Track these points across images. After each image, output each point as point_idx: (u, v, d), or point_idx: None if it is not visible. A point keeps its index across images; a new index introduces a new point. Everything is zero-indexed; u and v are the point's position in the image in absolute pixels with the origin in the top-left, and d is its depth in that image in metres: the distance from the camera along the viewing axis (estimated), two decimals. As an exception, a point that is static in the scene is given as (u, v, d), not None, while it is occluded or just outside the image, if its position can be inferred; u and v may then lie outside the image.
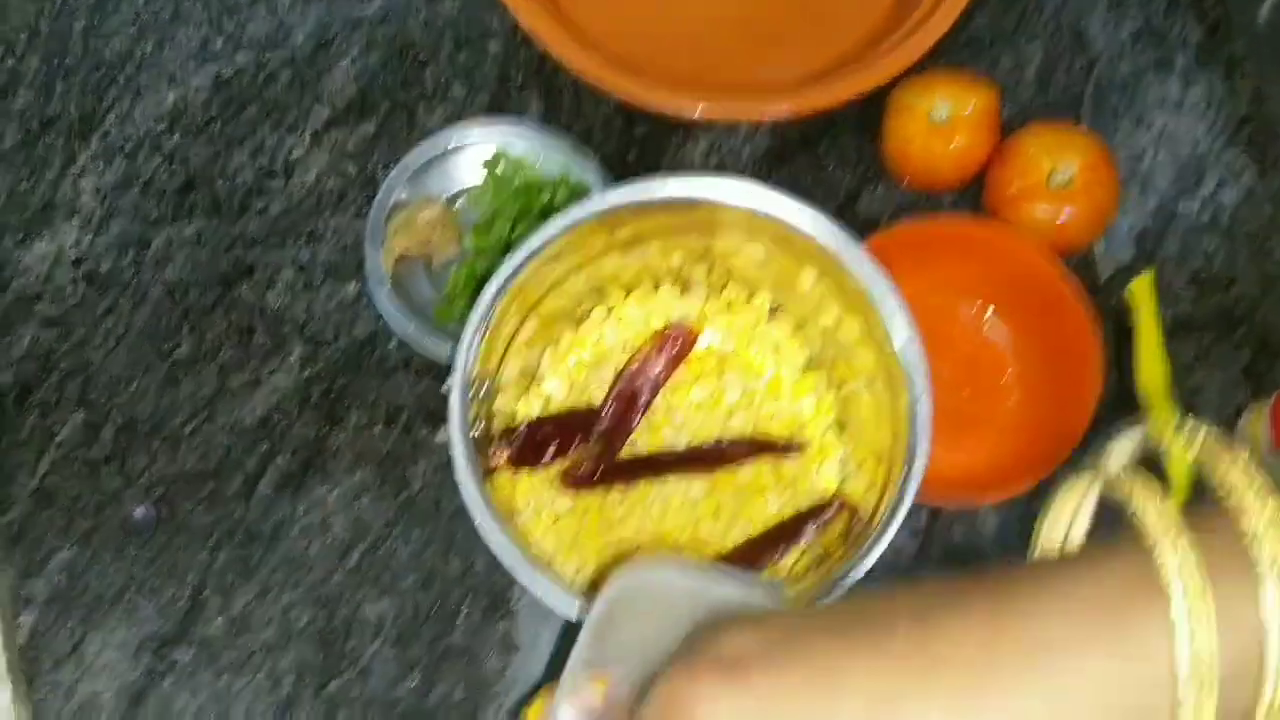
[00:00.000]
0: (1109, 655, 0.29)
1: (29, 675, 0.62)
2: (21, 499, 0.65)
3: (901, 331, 0.51)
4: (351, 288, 0.68)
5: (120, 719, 0.62)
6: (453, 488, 0.65)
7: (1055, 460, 0.63)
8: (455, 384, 0.50)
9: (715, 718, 0.30)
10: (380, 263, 0.66)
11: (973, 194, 0.69)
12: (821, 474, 0.59)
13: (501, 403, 0.57)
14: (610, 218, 0.52)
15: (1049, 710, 0.29)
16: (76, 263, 0.68)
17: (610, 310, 0.60)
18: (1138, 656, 0.29)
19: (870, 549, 0.50)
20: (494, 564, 0.64)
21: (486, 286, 0.51)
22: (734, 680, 0.31)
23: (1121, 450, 0.36)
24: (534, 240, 0.51)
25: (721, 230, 0.55)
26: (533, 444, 0.57)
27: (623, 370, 0.59)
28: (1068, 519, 0.36)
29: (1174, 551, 0.29)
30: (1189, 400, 0.65)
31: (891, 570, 0.64)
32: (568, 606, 0.49)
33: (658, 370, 0.58)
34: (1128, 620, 0.29)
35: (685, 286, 0.60)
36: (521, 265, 0.51)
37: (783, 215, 0.51)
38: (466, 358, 0.50)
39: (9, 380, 0.66)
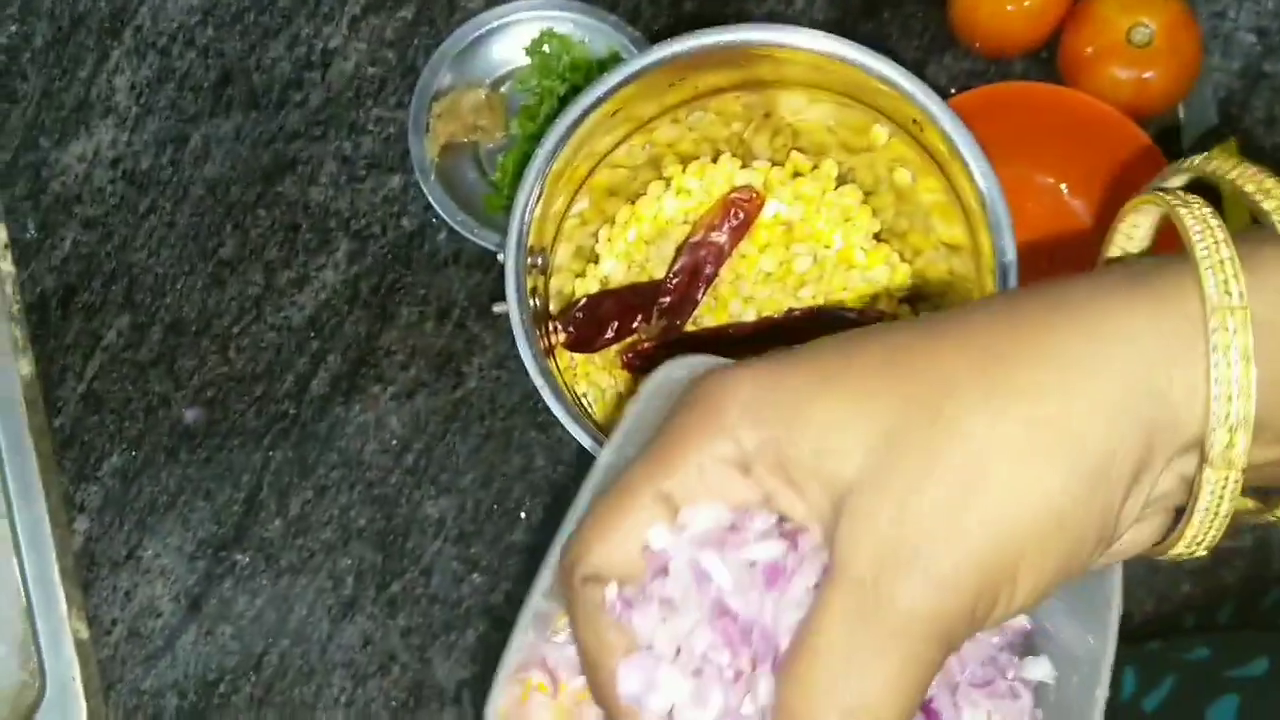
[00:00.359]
0: (1139, 363, 0.26)
1: (85, 581, 0.61)
2: (70, 403, 0.63)
3: (985, 183, 0.48)
4: (397, 180, 0.66)
5: (180, 622, 0.61)
6: (509, 383, 0.63)
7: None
8: (510, 250, 0.47)
9: (738, 393, 0.27)
10: (425, 152, 0.63)
11: (1046, 59, 0.65)
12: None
13: (558, 284, 0.54)
14: (667, 69, 0.49)
15: (1063, 393, 0.26)
16: (114, 162, 0.66)
17: (668, 183, 0.57)
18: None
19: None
20: (555, 458, 0.62)
21: (538, 148, 0.48)
22: (757, 370, 0.28)
23: (1179, 175, 0.33)
24: (587, 97, 0.48)
25: (784, 89, 0.52)
26: (592, 322, 0.54)
27: (684, 243, 0.56)
28: (1124, 239, 0.33)
29: (1215, 263, 0.26)
30: None
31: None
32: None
33: (722, 240, 0.54)
34: (1164, 339, 0.26)
35: (747, 156, 0.57)
36: (576, 123, 0.48)
37: (855, 57, 0.48)
38: (521, 221, 0.47)
39: (53, 284, 0.65)
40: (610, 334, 0.54)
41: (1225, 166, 0.30)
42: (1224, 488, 0.27)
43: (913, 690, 0.26)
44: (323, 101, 0.67)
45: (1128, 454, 0.26)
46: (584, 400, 0.56)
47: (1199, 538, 0.28)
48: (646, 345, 0.55)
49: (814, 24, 0.66)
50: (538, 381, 0.48)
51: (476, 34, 0.64)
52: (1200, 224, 0.28)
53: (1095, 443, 0.26)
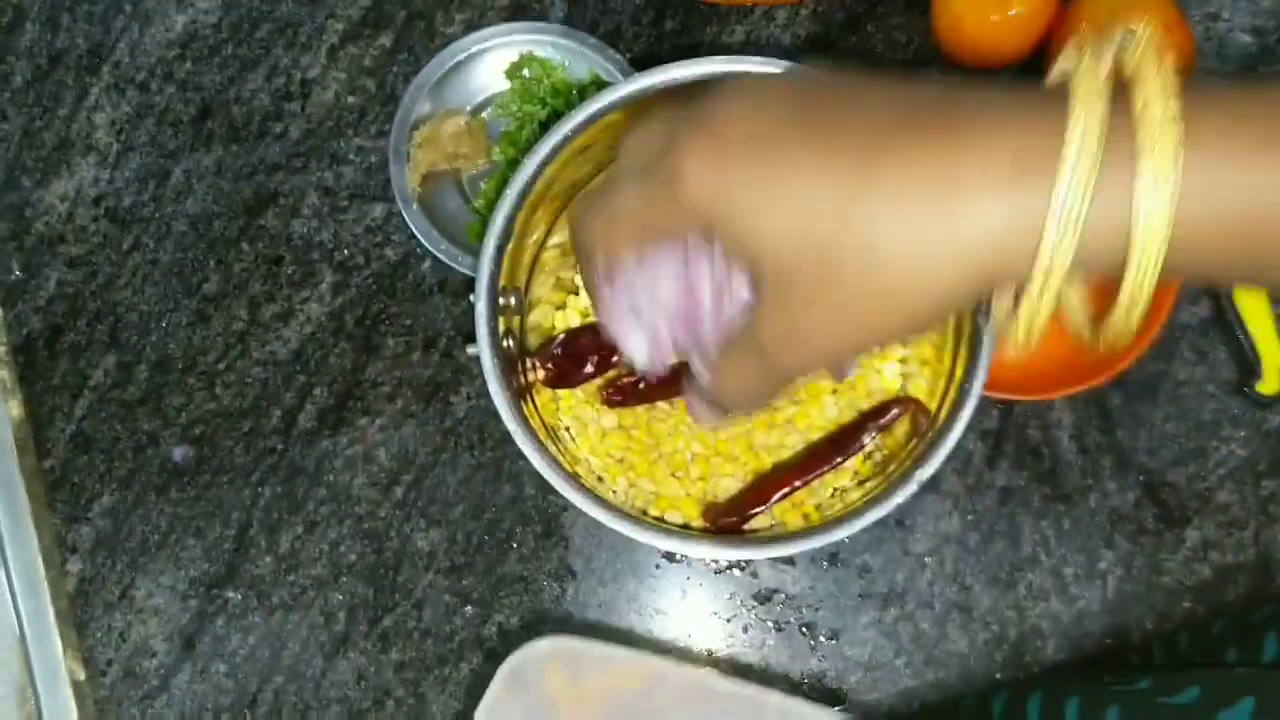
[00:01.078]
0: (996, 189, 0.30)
1: (79, 622, 0.61)
2: (60, 444, 0.63)
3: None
4: (380, 209, 0.65)
5: (174, 661, 0.61)
6: (498, 413, 0.63)
7: (1135, 349, 0.59)
8: (481, 292, 0.46)
9: (700, 184, 0.33)
10: (407, 181, 0.63)
11: (1034, 69, 0.64)
12: (882, 375, 0.55)
13: (537, 318, 0.54)
14: (641, 103, 0.48)
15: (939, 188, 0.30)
16: (97, 200, 0.66)
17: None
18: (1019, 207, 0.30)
19: (938, 444, 0.46)
20: (545, 488, 0.62)
21: (508, 185, 0.47)
22: (716, 154, 0.33)
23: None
24: (560, 130, 0.47)
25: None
26: (571, 358, 0.53)
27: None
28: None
29: (1083, 116, 0.29)
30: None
31: (964, 475, 0.61)
32: (617, 523, 0.46)
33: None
34: (1024, 167, 0.30)
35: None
36: (548, 159, 0.48)
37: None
38: (489, 264, 0.47)
39: (39, 324, 0.65)
40: (590, 369, 0.54)
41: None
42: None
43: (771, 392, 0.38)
44: (303, 132, 0.66)
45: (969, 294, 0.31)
46: (567, 433, 0.56)
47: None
48: (627, 380, 0.54)
49: (796, 40, 0.66)
50: (511, 427, 0.47)
51: (455, 60, 0.64)
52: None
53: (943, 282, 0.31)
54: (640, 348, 0.39)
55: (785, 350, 0.35)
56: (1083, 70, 0.30)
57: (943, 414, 0.47)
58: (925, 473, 0.46)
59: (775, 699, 0.55)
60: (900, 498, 0.46)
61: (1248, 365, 0.61)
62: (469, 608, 0.61)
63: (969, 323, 0.47)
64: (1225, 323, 0.62)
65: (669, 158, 0.33)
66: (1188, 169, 0.28)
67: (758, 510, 0.52)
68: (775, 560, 0.61)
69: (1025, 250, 0.30)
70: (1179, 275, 0.31)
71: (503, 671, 0.55)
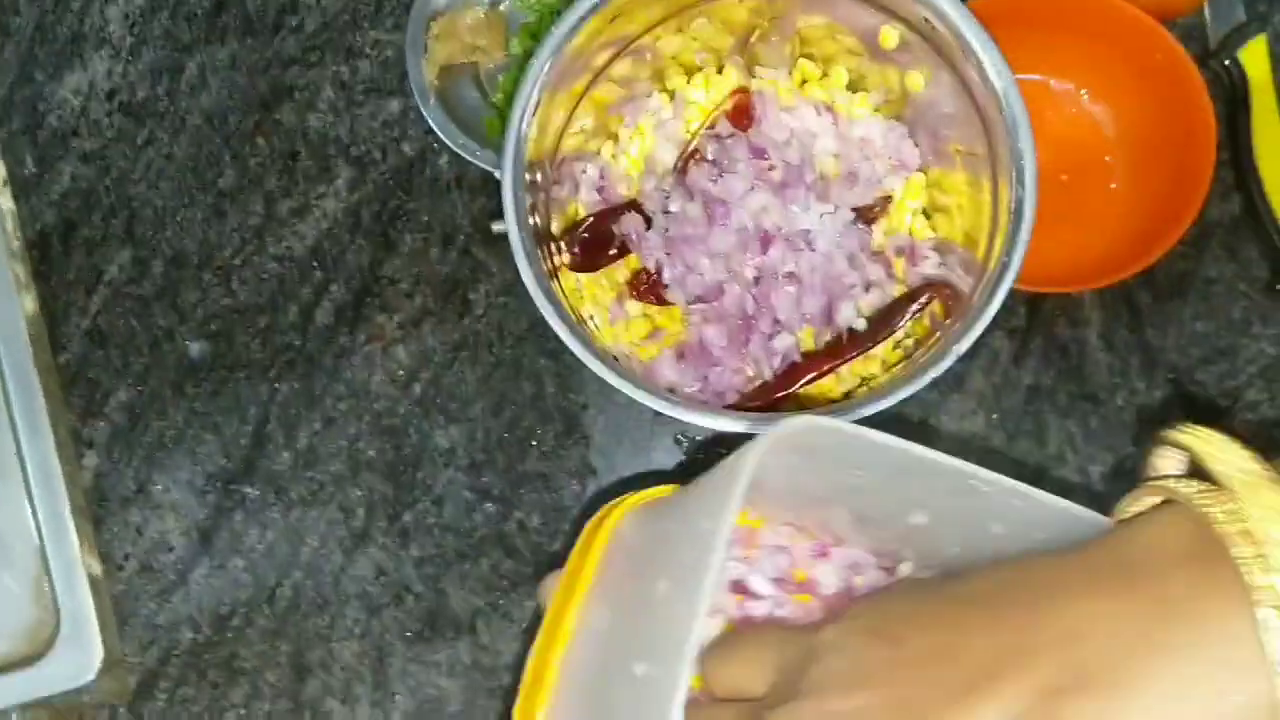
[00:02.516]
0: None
1: (96, 518, 0.61)
2: (75, 339, 0.63)
3: (999, 80, 0.46)
4: (396, 104, 0.64)
5: (191, 556, 0.61)
6: (517, 310, 0.62)
7: (1164, 243, 0.58)
8: (507, 164, 0.46)
9: None
10: (424, 75, 0.61)
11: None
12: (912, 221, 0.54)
13: (558, 195, 0.53)
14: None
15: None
16: (110, 94, 0.65)
17: (671, 95, 0.55)
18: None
19: (970, 327, 0.45)
20: (565, 385, 0.61)
21: (533, 58, 0.46)
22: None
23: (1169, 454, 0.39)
24: (582, 4, 0.46)
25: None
26: (596, 241, 0.53)
27: (686, 153, 0.54)
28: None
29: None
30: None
31: (990, 374, 0.60)
32: (645, 398, 0.46)
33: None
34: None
35: (753, 65, 0.55)
36: (573, 29, 0.46)
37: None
38: (518, 134, 0.46)
39: (53, 219, 0.64)
40: (614, 250, 0.53)
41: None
42: None
43: None
44: (318, 26, 0.65)
45: None
46: (591, 323, 0.55)
47: None
48: (654, 275, 0.53)
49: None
50: (540, 302, 0.46)
51: (474, -50, 0.62)
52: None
53: None
54: None
55: None
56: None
57: (978, 293, 0.47)
58: (962, 346, 0.45)
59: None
60: (936, 372, 0.45)
61: (1279, 262, 0.60)
62: (489, 504, 0.61)
63: (1006, 195, 0.46)
64: (1257, 220, 0.60)
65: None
66: None
67: (784, 393, 0.51)
68: (798, 456, 0.60)
69: None
70: None
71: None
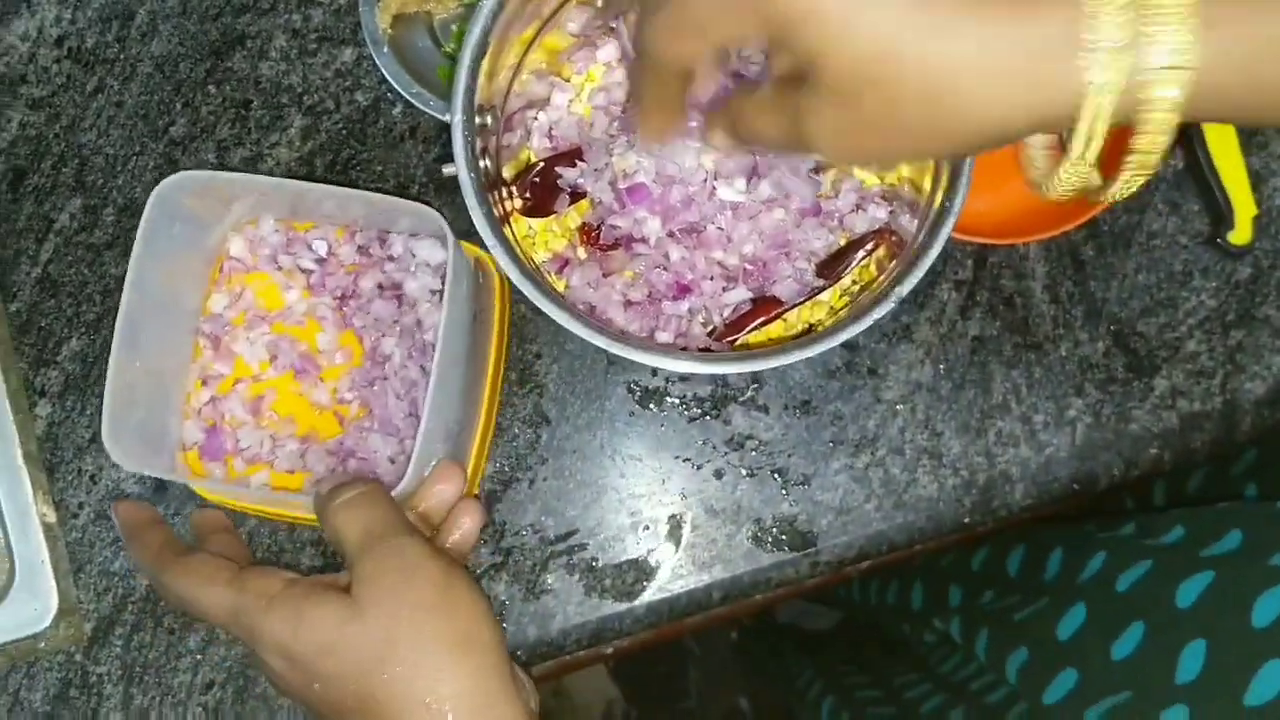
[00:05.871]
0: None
1: (49, 465, 0.61)
2: (26, 287, 0.62)
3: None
4: (349, 53, 0.64)
5: (149, 501, 0.61)
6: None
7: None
8: (456, 106, 0.46)
9: None
10: (377, 24, 0.61)
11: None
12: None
13: (509, 141, 0.53)
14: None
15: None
16: (59, 41, 0.64)
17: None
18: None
19: (914, 267, 0.46)
20: (520, 335, 0.62)
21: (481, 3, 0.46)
22: None
23: None
24: (535, -55, 0.46)
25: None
26: (548, 187, 0.53)
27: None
28: None
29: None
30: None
31: (937, 324, 0.61)
32: (600, 340, 0.46)
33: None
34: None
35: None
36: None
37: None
38: (466, 76, 0.46)
39: (1, 167, 0.63)
40: (566, 196, 0.53)
41: None
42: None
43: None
44: (271, -27, 0.65)
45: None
46: (543, 270, 0.55)
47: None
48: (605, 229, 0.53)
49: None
50: (490, 243, 0.47)
51: (427, -102, 0.62)
52: None
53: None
54: None
55: (831, 144, 0.37)
56: None
57: (920, 237, 0.47)
58: (904, 289, 0.46)
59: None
60: (880, 313, 0.46)
61: (1219, 216, 0.61)
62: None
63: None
64: (1199, 174, 0.62)
65: None
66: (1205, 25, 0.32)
67: (735, 337, 0.52)
68: (750, 405, 0.61)
69: (1066, 91, 0.34)
70: (1195, 117, 0.34)
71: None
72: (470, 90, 0.46)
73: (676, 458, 0.61)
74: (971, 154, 0.36)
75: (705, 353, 0.50)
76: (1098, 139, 0.34)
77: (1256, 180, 0.62)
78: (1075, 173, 0.36)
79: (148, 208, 0.51)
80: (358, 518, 0.47)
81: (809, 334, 0.54)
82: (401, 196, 0.62)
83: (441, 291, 0.55)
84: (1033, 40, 0.33)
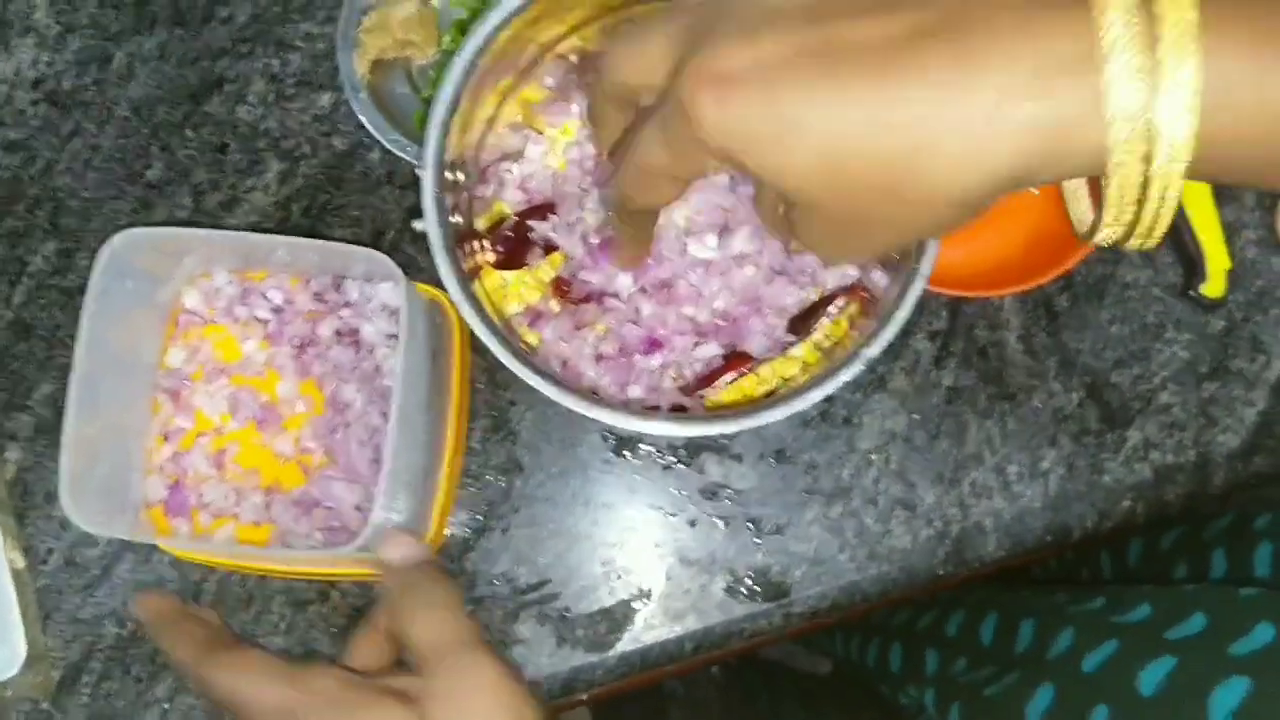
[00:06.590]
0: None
1: (19, 511, 0.61)
2: (-3, 331, 0.62)
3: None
4: (327, 98, 0.64)
5: (116, 551, 0.60)
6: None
7: (1082, 249, 0.59)
8: (428, 164, 0.46)
9: (718, 129, 0.33)
10: (355, 69, 0.61)
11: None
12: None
13: (483, 193, 0.53)
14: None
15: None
16: (36, 83, 0.64)
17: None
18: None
19: (886, 323, 0.46)
20: (494, 381, 0.62)
21: (456, 55, 0.46)
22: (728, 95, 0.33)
23: None
24: (507, 4, 0.47)
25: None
26: (521, 240, 0.53)
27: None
28: None
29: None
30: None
31: (912, 374, 0.61)
32: (569, 401, 0.46)
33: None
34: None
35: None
36: (498, 27, 0.47)
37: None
38: (437, 132, 0.46)
39: (-25, 209, 0.63)
40: (540, 249, 0.53)
41: None
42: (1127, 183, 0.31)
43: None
44: (249, 17, 0.65)
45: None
46: (515, 322, 0.55)
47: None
48: (577, 286, 0.53)
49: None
50: (458, 300, 0.47)
51: (406, -55, 0.62)
52: None
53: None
54: None
55: (825, 251, 0.37)
56: None
57: (891, 296, 0.47)
58: (872, 351, 0.46)
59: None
60: (848, 375, 0.46)
61: (1193, 268, 0.62)
62: (416, 500, 0.61)
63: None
64: (1172, 226, 0.62)
65: (679, 100, 0.33)
66: (1210, 74, 0.29)
67: (705, 393, 0.51)
68: (724, 454, 0.61)
69: (1058, 153, 0.30)
70: (1200, 177, 0.32)
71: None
72: (440, 149, 0.46)
73: (650, 506, 0.61)
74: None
75: (678, 412, 0.50)
76: (1128, 207, 0.32)
77: (1230, 232, 0.62)
78: (1112, 234, 0.34)
79: (96, 268, 0.51)
80: (438, 622, 0.45)
81: (779, 392, 0.54)
82: (378, 240, 0.63)
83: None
84: (989, 97, 0.30)
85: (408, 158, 0.60)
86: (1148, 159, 0.30)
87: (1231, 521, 0.65)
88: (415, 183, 0.62)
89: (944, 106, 0.30)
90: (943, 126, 0.30)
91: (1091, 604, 0.61)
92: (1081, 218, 0.39)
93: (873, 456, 0.61)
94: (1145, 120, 0.29)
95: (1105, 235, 0.34)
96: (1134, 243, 0.34)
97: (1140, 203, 0.31)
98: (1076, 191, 0.39)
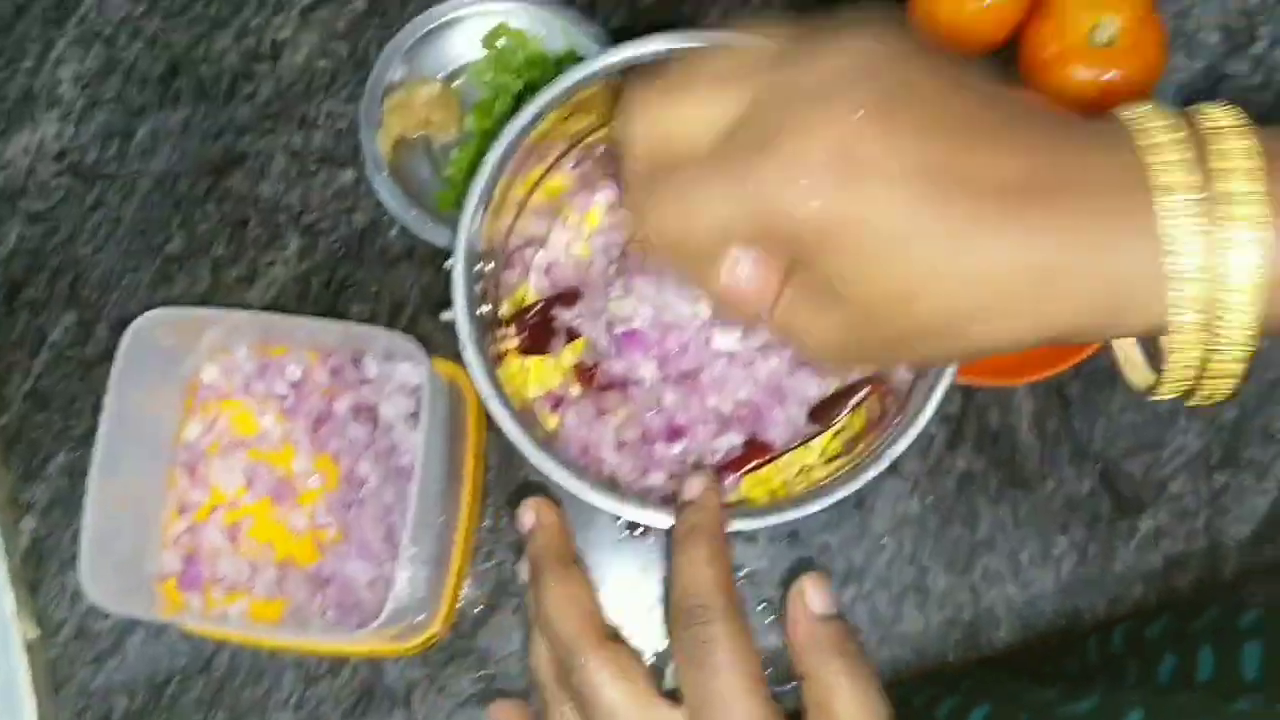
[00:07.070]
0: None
1: (32, 581, 0.61)
2: (16, 401, 0.62)
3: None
4: (348, 175, 0.65)
5: (128, 622, 0.60)
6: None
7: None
8: (458, 259, 0.46)
9: (830, 214, 0.31)
10: (377, 147, 0.62)
11: (1006, 58, 0.64)
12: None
13: (508, 279, 0.53)
14: (623, 76, 0.48)
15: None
16: (60, 155, 0.65)
17: (623, 185, 0.56)
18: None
19: (907, 427, 0.46)
20: (508, 459, 0.62)
21: (489, 152, 0.47)
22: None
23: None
24: (542, 99, 0.47)
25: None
26: (545, 326, 0.53)
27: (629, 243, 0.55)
28: None
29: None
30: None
31: (925, 458, 0.62)
32: (592, 497, 0.46)
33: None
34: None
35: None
36: (528, 127, 0.47)
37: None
38: (470, 228, 0.47)
39: (-3, 279, 0.63)
40: (563, 341, 0.54)
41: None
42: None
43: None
44: (273, 94, 0.65)
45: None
46: (535, 405, 0.56)
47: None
48: (597, 361, 0.54)
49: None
50: (484, 393, 0.47)
51: (430, 27, 0.63)
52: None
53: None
54: None
55: (828, 354, 0.36)
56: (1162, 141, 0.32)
57: (917, 390, 0.48)
58: (897, 450, 0.46)
59: None
60: (872, 473, 0.46)
61: (1204, 358, 0.62)
62: (429, 577, 0.61)
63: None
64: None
65: (777, 167, 0.31)
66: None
67: (726, 480, 0.52)
68: (739, 535, 0.61)
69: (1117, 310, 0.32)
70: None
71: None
72: (473, 244, 0.47)
73: (664, 585, 0.61)
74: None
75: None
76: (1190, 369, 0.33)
77: (1240, 322, 0.63)
78: (1172, 390, 0.35)
79: (122, 347, 0.52)
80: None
81: (801, 474, 0.54)
82: (396, 316, 0.63)
83: (417, 414, 0.55)
84: (1064, 261, 0.31)
85: (427, 236, 0.61)
86: (1208, 323, 0.32)
87: (1217, 616, 0.65)
88: (434, 260, 0.63)
89: (1026, 268, 0.31)
90: (1019, 288, 0.31)
91: (1081, 705, 0.60)
92: (1134, 374, 0.39)
93: (885, 540, 0.61)
94: (1209, 281, 0.31)
95: (1167, 391, 0.35)
96: (1197, 399, 0.35)
97: (1204, 363, 0.33)
98: (1128, 350, 0.39)
